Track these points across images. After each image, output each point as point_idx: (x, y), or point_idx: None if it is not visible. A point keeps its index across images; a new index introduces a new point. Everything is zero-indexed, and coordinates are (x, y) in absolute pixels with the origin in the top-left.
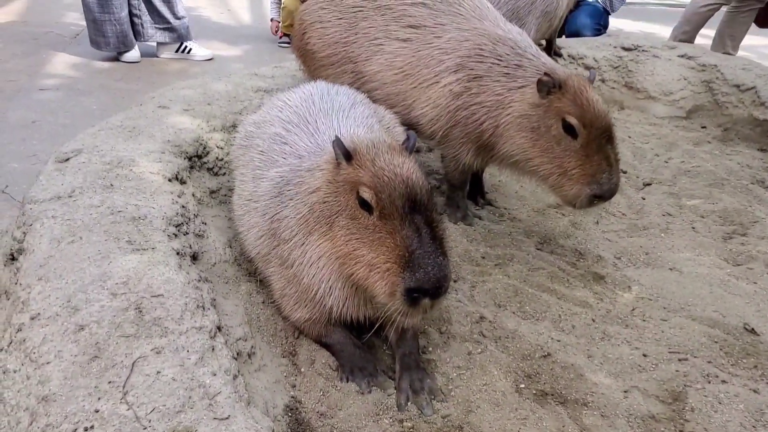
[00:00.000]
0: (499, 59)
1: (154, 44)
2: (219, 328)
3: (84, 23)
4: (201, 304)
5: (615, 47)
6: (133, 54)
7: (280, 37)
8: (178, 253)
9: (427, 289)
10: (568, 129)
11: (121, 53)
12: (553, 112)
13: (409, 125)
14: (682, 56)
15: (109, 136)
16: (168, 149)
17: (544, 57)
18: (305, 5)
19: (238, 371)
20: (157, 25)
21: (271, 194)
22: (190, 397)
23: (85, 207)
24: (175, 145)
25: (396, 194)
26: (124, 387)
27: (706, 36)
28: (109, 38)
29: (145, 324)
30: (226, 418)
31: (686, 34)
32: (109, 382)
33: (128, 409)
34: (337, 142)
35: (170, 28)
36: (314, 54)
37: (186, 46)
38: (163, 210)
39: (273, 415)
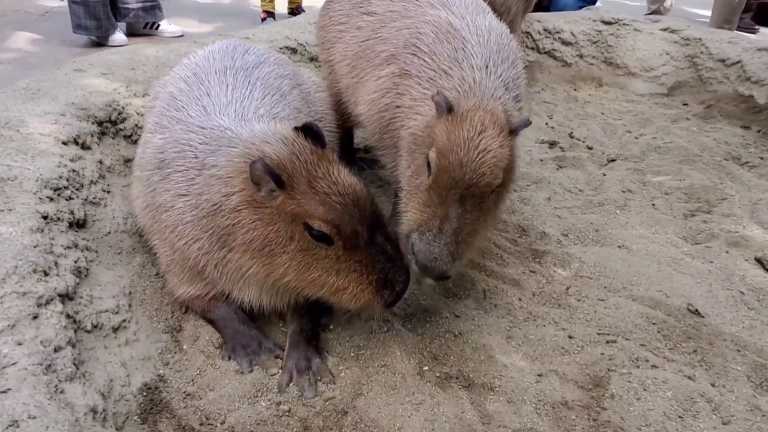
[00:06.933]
0: (433, 56)
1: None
2: (67, 297)
3: (53, 4)
4: (42, 269)
5: (594, 21)
6: (120, 37)
7: (263, 19)
8: (45, 218)
9: (402, 295)
10: (426, 163)
11: (105, 36)
12: (429, 140)
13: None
14: (664, 30)
15: (8, 97)
16: (70, 112)
17: (493, 79)
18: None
19: (71, 343)
20: (142, 3)
21: (153, 165)
22: None
23: None
24: (81, 108)
25: (355, 221)
26: None
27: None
28: (101, 20)
29: None
30: (4, 391)
31: None
32: None
33: None
34: (263, 167)
35: (153, 6)
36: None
37: (154, 22)
38: (40, 172)
39: (120, 393)
